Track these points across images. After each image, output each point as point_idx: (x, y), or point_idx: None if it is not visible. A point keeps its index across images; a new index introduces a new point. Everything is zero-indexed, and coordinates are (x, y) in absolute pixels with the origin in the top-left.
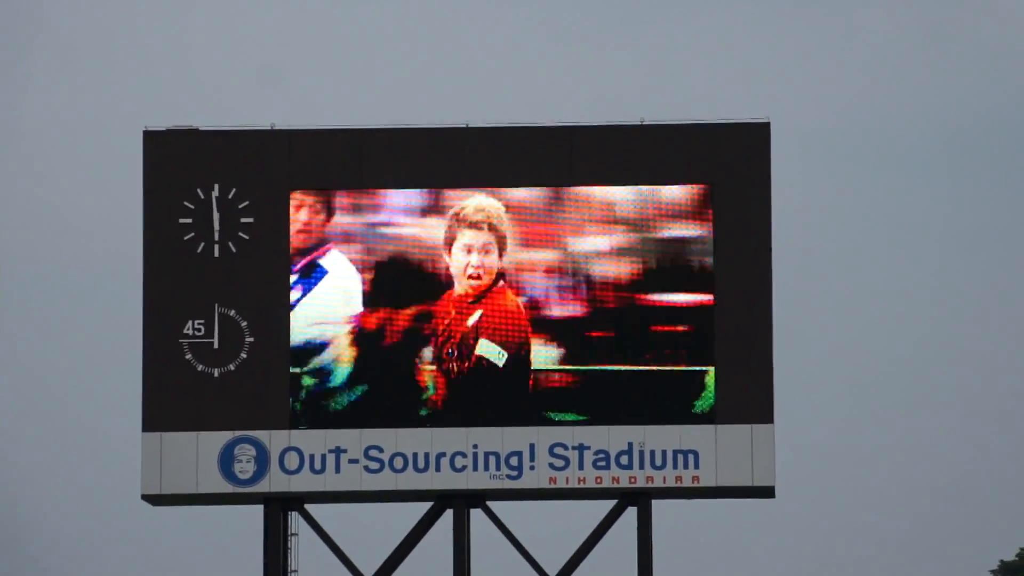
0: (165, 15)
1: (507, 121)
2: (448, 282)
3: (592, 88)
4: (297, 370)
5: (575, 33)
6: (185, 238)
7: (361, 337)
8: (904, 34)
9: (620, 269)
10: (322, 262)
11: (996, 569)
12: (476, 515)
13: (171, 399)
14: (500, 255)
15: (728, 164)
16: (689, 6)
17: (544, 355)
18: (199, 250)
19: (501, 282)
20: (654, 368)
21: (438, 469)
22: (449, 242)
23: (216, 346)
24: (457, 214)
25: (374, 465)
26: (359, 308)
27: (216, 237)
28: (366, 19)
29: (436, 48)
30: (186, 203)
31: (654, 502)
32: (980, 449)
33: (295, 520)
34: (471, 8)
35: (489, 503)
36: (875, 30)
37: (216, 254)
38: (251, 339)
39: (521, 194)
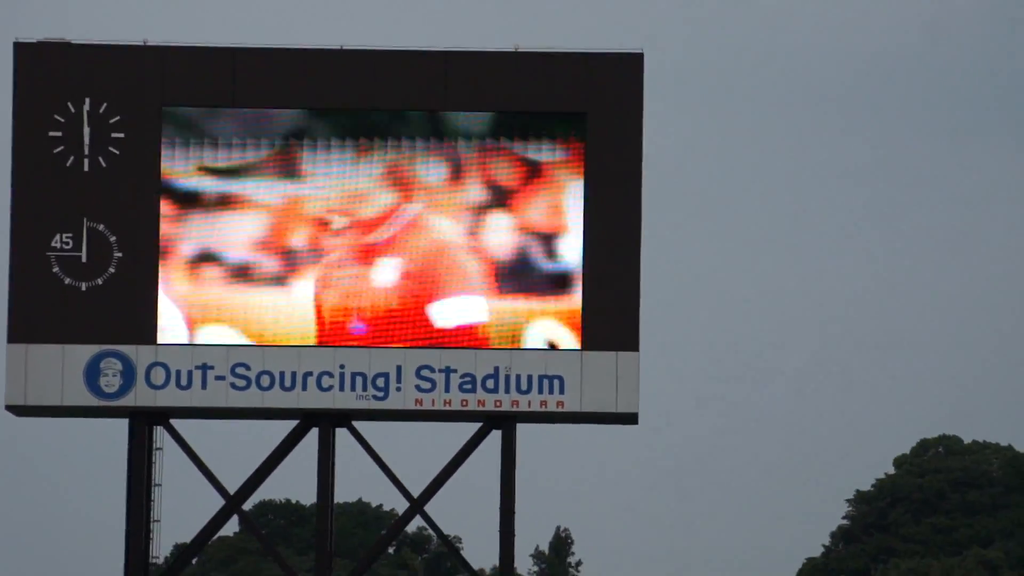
0: None
1: (382, 45)
2: None
3: (468, 15)
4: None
5: None
6: (55, 151)
7: None
8: None
9: None
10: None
11: (852, 499)
12: (341, 434)
13: (37, 311)
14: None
15: (602, 93)
16: None
17: None
18: (68, 164)
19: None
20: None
21: (305, 388)
22: None
23: (84, 260)
24: None
25: (241, 383)
26: None
27: (86, 151)
28: None
29: None
30: (56, 116)
31: (519, 426)
32: (842, 379)
33: (160, 435)
34: None
35: (355, 423)
36: None
37: (86, 168)
38: (119, 254)
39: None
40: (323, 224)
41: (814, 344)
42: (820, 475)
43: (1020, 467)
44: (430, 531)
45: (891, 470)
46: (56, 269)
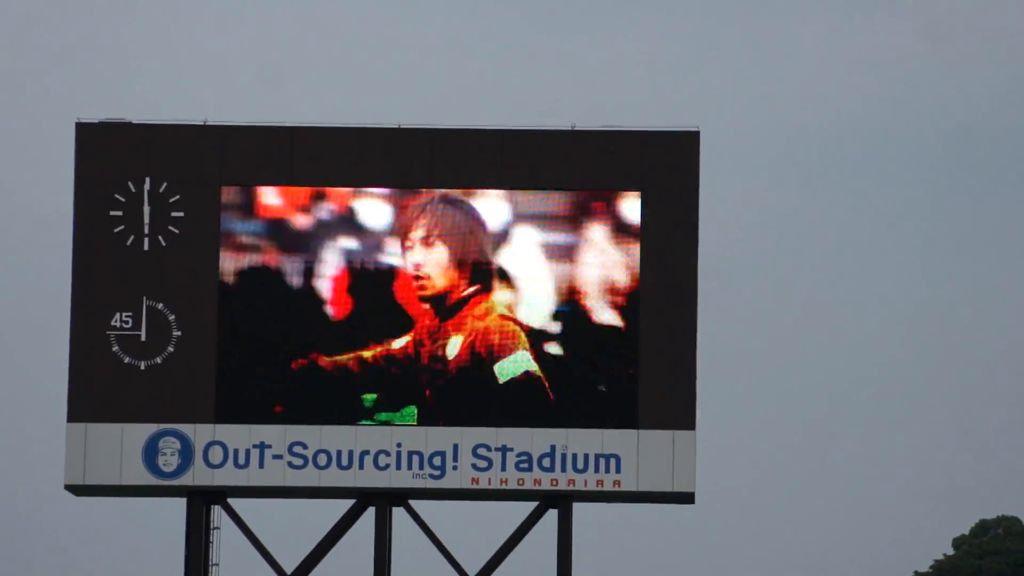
0: (99, 9)
1: (439, 123)
2: None
3: (526, 94)
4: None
5: (513, 40)
6: (115, 230)
7: None
8: (824, 52)
9: None
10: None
11: None
12: (398, 513)
13: (97, 390)
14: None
15: (659, 171)
16: (628, 19)
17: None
18: (128, 243)
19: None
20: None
21: (361, 467)
22: None
23: (143, 339)
24: None
25: (298, 461)
26: None
27: (146, 230)
28: (304, 18)
29: (371, 50)
30: (117, 196)
31: (575, 505)
32: (899, 458)
33: (218, 514)
34: (410, 13)
35: (411, 502)
36: (801, 49)
37: (146, 247)
38: (179, 333)
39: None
40: None
41: (870, 423)
42: (879, 556)
43: None
44: None
45: (949, 551)
46: (115, 348)
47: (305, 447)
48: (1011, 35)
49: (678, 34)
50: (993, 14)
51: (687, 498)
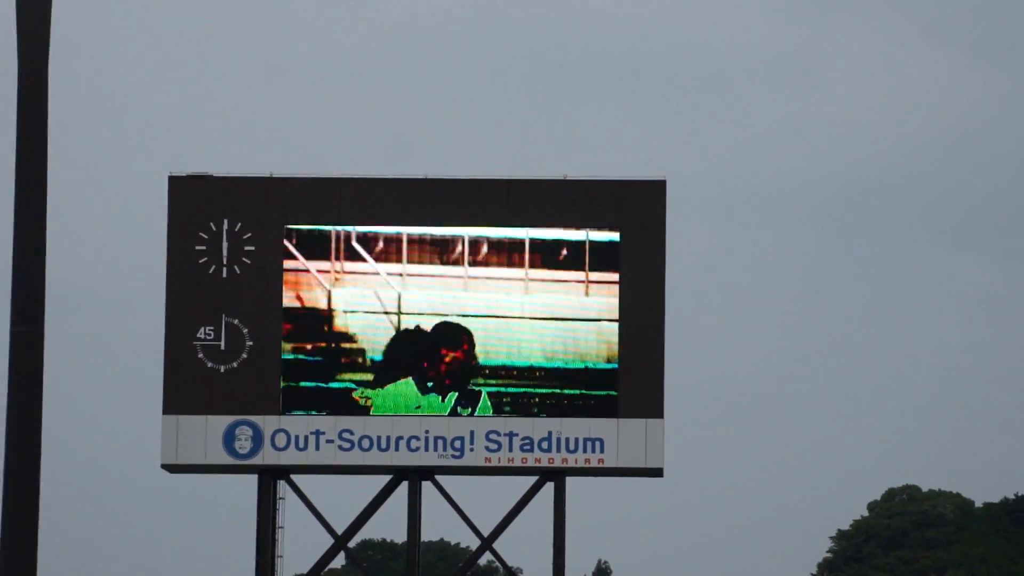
0: (180, 77)
1: (459, 174)
2: None
3: (526, 150)
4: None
5: (515, 105)
6: (200, 261)
7: None
8: (773, 114)
9: None
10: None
11: (834, 536)
12: (426, 486)
13: (186, 389)
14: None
15: (633, 212)
16: (608, 89)
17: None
18: (211, 271)
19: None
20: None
21: (397, 449)
22: None
23: (223, 347)
24: None
25: (346, 445)
26: None
27: (224, 261)
28: (353, 90)
29: (407, 116)
30: (201, 234)
31: (568, 479)
32: (826, 440)
33: (283, 487)
34: (440, 85)
35: (437, 477)
36: (751, 112)
37: (224, 275)
38: (250, 343)
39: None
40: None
41: (804, 415)
42: (809, 517)
43: (968, 510)
44: (497, 564)
45: (865, 513)
46: (200, 355)
47: (352, 433)
48: (923, 100)
49: (650, 101)
50: (914, 76)
51: (657, 472)
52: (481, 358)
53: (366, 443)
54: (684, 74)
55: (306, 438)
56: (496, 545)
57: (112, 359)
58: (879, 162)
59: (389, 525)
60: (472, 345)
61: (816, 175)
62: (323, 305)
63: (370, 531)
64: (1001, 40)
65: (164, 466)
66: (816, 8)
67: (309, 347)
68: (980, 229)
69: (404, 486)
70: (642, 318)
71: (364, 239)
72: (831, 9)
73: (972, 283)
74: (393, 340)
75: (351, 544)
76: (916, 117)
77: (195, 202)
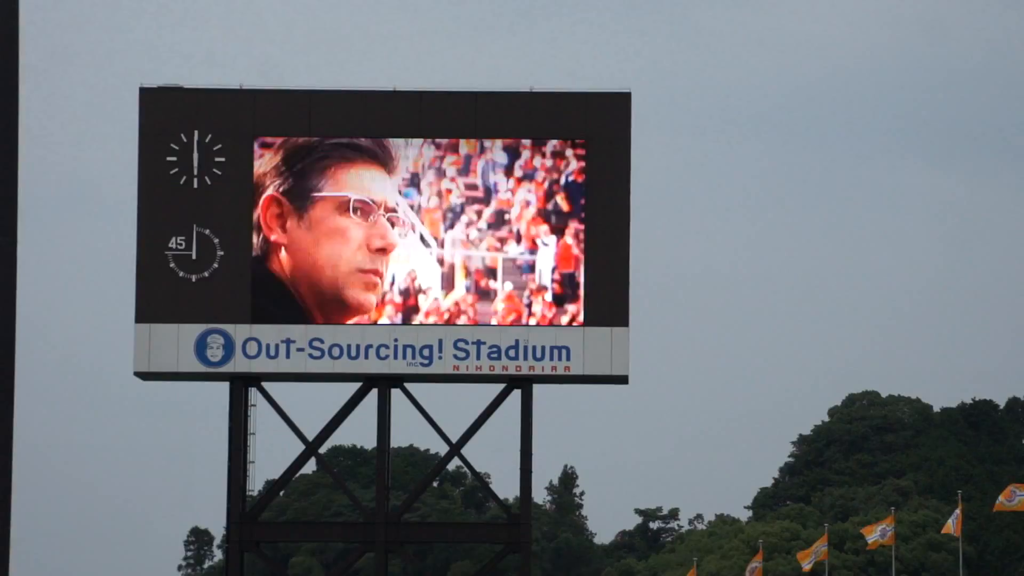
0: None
1: (428, 87)
2: None
3: (494, 63)
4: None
5: (485, 21)
6: (171, 172)
7: None
8: (735, 29)
9: None
10: None
11: (795, 441)
12: (395, 394)
13: (158, 298)
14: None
15: (599, 124)
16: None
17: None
18: (182, 182)
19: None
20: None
21: (366, 357)
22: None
23: (194, 257)
24: None
25: (317, 353)
26: None
27: (195, 172)
28: (322, 1)
29: (378, 25)
30: (172, 145)
31: (535, 386)
32: (789, 349)
33: (254, 394)
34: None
35: (406, 384)
36: (709, 29)
37: (195, 186)
38: (221, 252)
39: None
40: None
41: (770, 322)
42: (771, 423)
43: (926, 415)
44: (466, 469)
45: (826, 418)
46: (172, 265)
47: (322, 342)
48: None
49: (615, 15)
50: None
51: (622, 380)
52: None
53: (336, 351)
54: None
55: (277, 347)
56: (464, 451)
57: (85, 269)
58: (833, 72)
59: (359, 431)
60: None
61: (774, 84)
62: None
63: (340, 438)
64: None
65: (137, 373)
66: None
67: None
68: (948, 139)
69: (374, 393)
70: (607, 228)
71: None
72: None
73: (935, 192)
74: None
75: (321, 450)
76: (868, 27)
77: (166, 114)
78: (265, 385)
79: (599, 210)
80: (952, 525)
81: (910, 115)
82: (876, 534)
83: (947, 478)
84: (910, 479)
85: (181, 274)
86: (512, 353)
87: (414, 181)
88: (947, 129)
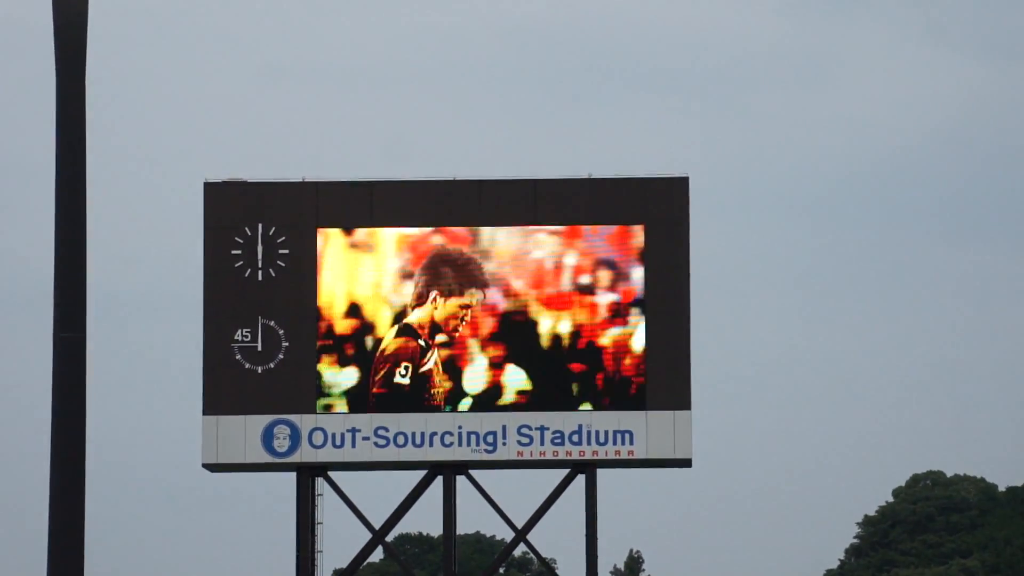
0: (217, 88)
1: (485, 175)
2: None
3: (552, 150)
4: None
5: (543, 108)
6: (236, 265)
7: None
8: (787, 115)
9: None
10: None
11: (860, 522)
12: (461, 481)
13: (225, 390)
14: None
15: (658, 208)
16: (634, 89)
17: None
18: (247, 275)
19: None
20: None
21: (431, 444)
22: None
23: (259, 349)
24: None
25: (382, 441)
26: None
27: (259, 264)
28: (385, 98)
29: (436, 120)
30: (237, 238)
31: (599, 471)
32: (853, 429)
33: (321, 484)
34: (462, 88)
35: (471, 471)
36: (765, 113)
37: (260, 278)
38: (286, 344)
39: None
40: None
41: (833, 403)
42: (836, 504)
43: (991, 494)
44: (531, 555)
45: (890, 499)
46: (238, 356)
47: (387, 430)
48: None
49: (672, 102)
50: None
51: (686, 463)
52: None
53: (401, 439)
54: (698, 73)
55: (343, 435)
56: (530, 537)
57: (152, 362)
58: (889, 156)
59: (425, 519)
60: None
61: (830, 169)
62: None
63: (406, 525)
64: (1003, 35)
65: (205, 465)
66: (824, 8)
67: None
68: (1012, 221)
69: (439, 481)
70: (668, 311)
71: None
72: (838, 10)
73: (1001, 273)
74: None
75: (388, 538)
76: (922, 111)
77: (230, 207)
78: (331, 474)
79: (660, 294)
80: None
81: (971, 197)
82: None
83: (1014, 557)
84: (977, 559)
85: (247, 366)
86: (575, 438)
87: None
88: (1010, 211)
